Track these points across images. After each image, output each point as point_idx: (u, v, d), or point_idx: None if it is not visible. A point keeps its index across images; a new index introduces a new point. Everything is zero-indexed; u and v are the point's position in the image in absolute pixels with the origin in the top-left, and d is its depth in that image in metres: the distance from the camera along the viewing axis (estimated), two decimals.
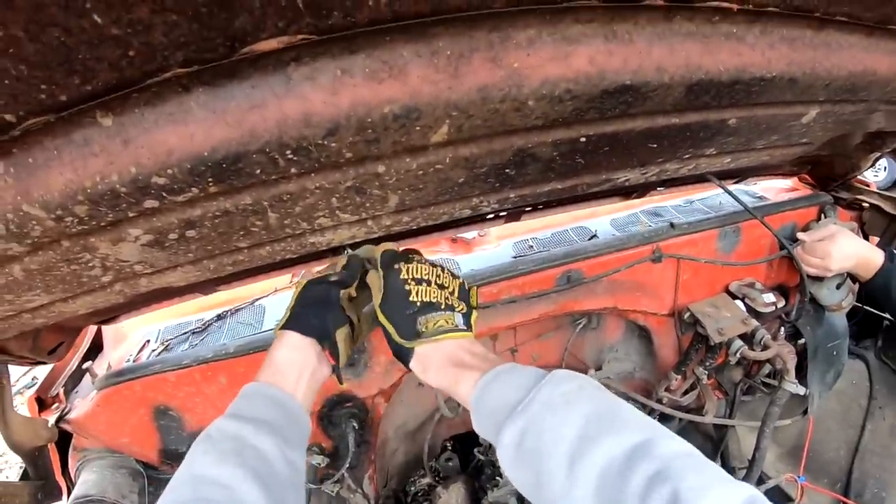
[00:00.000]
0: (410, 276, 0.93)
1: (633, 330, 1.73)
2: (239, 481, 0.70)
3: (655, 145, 0.93)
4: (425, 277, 0.94)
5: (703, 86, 0.75)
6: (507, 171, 0.86)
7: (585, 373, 1.57)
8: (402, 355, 0.90)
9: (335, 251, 1.14)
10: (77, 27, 0.45)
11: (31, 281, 0.76)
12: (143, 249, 0.75)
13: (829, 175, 1.72)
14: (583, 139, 0.82)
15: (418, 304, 0.90)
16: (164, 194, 0.64)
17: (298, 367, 0.91)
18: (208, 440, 0.77)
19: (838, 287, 1.71)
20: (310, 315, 0.95)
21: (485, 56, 0.62)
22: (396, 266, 0.94)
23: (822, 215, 1.73)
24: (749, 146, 1.09)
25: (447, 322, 0.90)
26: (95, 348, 1.54)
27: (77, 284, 0.82)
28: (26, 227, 0.63)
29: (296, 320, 0.95)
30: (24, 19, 0.43)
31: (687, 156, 1.04)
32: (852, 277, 1.71)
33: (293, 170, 0.67)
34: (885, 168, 6.35)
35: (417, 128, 0.66)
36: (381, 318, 0.92)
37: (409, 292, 0.91)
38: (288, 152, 0.63)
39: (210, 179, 0.63)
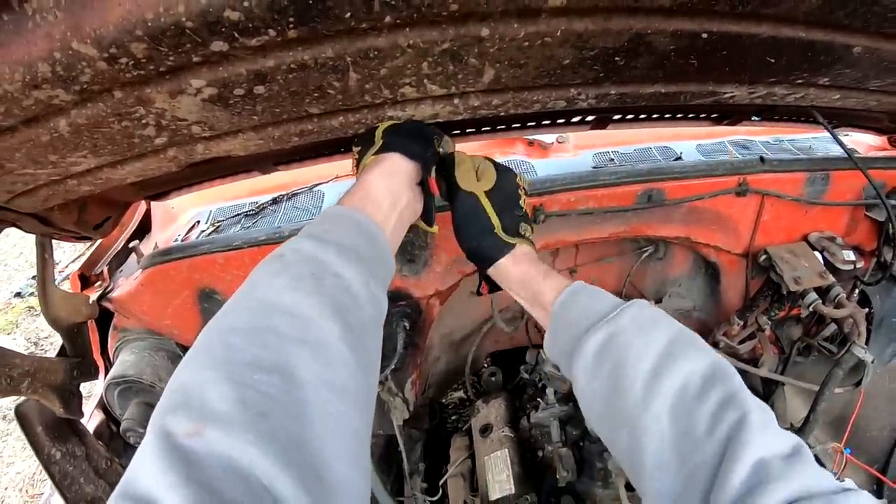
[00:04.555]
0: (523, 184, 0.94)
1: (700, 266, 1.62)
2: (316, 312, 0.55)
3: (773, 60, 0.85)
4: (528, 192, 0.96)
5: None
6: (616, 59, 0.76)
7: None
8: (493, 251, 0.86)
9: None
10: None
11: (77, 139, 0.69)
12: (203, 106, 0.66)
13: None
14: (704, 35, 0.74)
15: (524, 211, 0.91)
16: (236, 35, 0.54)
17: (394, 194, 0.77)
18: (279, 260, 0.61)
19: None
20: (410, 141, 0.81)
21: None
22: (509, 169, 0.93)
23: None
24: (862, 84, 1.00)
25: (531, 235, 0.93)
26: (143, 230, 1.52)
27: (128, 146, 0.75)
28: (75, 69, 0.56)
29: (395, 145, 0.80)
30: None
31: (799, 81, 0.95)
32: None
33: (388, 18, 0.56)
34: None
35: None
36: (488, 206, 0.87)
37: (520, 197, 0.92)
38: None
39: (291, 19, 0.53)
